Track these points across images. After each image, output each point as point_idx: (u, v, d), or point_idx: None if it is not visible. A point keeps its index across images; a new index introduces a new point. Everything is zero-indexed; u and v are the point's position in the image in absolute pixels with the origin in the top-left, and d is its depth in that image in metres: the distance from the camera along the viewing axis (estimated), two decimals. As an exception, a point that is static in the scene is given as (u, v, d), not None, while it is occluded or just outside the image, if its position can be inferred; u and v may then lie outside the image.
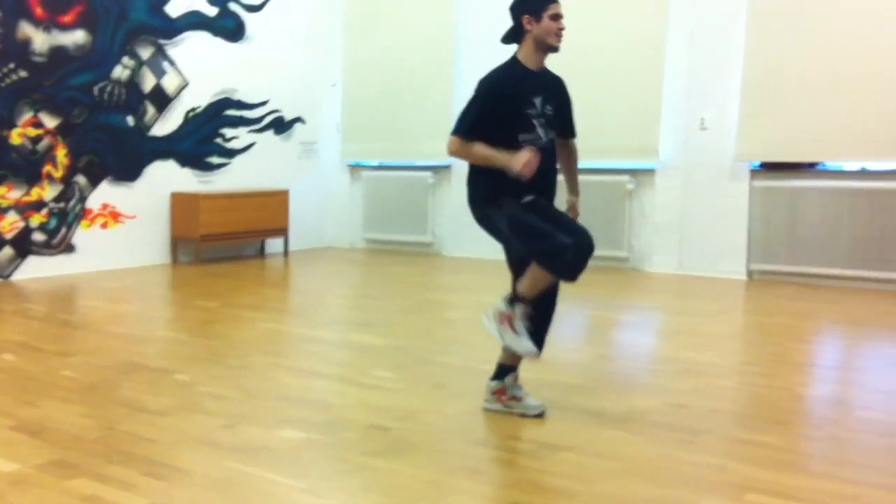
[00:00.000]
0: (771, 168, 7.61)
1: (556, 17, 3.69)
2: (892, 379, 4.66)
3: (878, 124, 7.03)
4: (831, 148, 7.29)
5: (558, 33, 3.71)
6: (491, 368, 3.96)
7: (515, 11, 3.74)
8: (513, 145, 3.64)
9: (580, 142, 4.08)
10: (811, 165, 7.51)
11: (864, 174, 7.30)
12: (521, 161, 3.53)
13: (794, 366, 4.79)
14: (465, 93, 9.62)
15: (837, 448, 3.49)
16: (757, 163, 7.64)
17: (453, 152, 3.79)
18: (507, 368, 3.91)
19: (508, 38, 3.82)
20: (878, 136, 7.05)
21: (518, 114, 3.71)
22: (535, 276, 3.67)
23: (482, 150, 3.70)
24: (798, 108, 7.32)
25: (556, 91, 3.87)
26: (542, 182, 3.75)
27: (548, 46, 3.73)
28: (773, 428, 3.20)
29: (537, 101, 3.73)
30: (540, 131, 3.74)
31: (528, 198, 3.66)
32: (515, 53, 3.79)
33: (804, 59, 7.35)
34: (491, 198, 3.76)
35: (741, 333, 5.95)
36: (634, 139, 8.17)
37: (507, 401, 3.87)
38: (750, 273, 7.70)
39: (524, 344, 3.67)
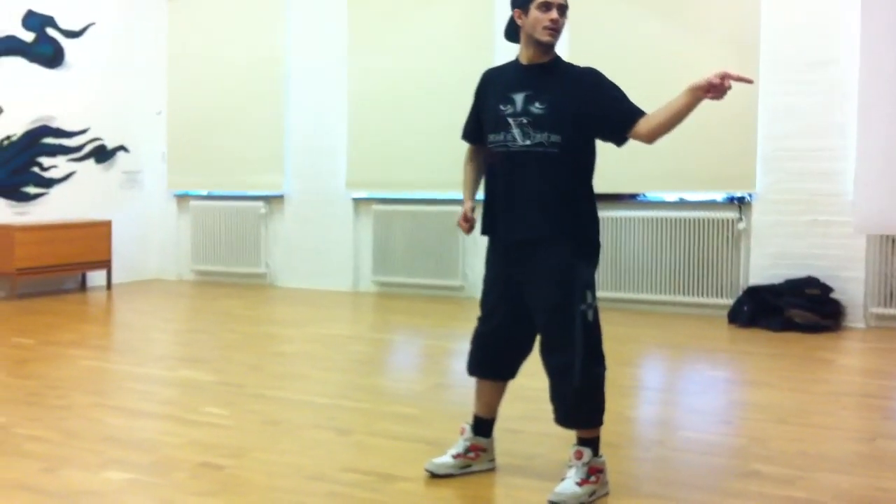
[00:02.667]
0: (597, 199, 7.86)
1: (546, 6, 3.18)
2: (711, 399, 4.88)
3: (696, 158, 7.37)
4: (651, 180, 7.62)
5: (549, 26, 3.19)
6: (325, 402, 3.90)
7: (510, 6, 3.30)
8: (490, 149, 3.34)
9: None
10: (632, 196, 7.83)
11: (682, 204, 7.66)
12: (459, 217, 3.40)
13: (620, 388, 4.94)
14: (296, 121, 9.63)
15: (664, 468, 3.62)
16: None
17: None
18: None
19: (508, 34, 3.37)
20: (695, 168, 7.41)
21: (491, 111, 3.31)
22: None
23: (464, 174, 3.56)
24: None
25: (557, 87, 3.24)
26: (505, 211, 3.30)
27: (536, 42, 3.23)
28: (604, 450, 3.29)
29: (518, 97, 3.23)
30: (515, 132, 3.21)
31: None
32: None
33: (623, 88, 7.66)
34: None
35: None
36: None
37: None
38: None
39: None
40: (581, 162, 3.30)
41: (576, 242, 3.24)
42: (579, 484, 3.15)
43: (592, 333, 3.20)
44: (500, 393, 3.52)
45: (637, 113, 3.24)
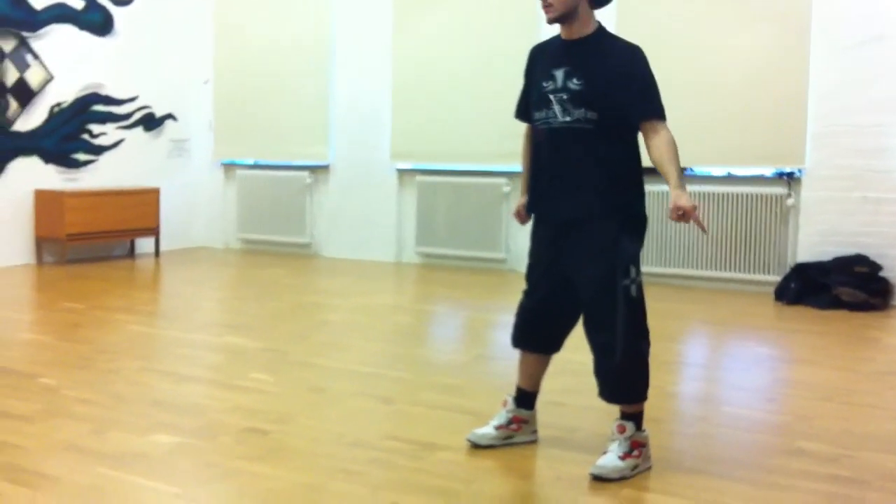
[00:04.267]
0: (644, 172, 7.81)
1: None
2: (756, 376, 4.85)
3: (743, 132, 7.30)
4: (699, 154, 7.54)
5: (542, 6, 3.20)
6: (368, 371, 3.93)
7: None
8: (535, 126, 3.34)
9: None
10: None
11: (729, 179, 7.57)
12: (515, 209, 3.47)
13: (664, 364, 4.92)
14: (341, 92, 9.63)
15: (707, 444, 3.61)
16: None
17: None
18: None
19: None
20: (743, 143, 7.32)
21: (536, 87, 3.29)
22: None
23: (523, 161, 3.52)
24: (668, 116, 7.54)
25: (594, 63, 3.19)
26: (550, 189, 3.32)
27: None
28: (646, 425, 3.29)
29: (558, 73, 3.20)
30: (556, 108, 3.19)
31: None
32: None
33: (669, 67, 7.57)
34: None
35: (613, 333, 6.08)
36: (511, 143, 8.23)
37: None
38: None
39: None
40: (623, 137, 3.24)
41: (620, 217, 3.23)
42: (621, 458, 3.16)
43: (635, 309, 3.18)
44: (543, 366, 3.53)
45: (651, 115, 3.19)
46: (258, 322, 6.08)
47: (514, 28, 8.12)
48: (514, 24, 8.12)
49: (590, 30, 3.24)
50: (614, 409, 3.28)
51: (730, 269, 7.48)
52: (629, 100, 3.17)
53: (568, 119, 3.18)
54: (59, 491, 2.93)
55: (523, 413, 3.50)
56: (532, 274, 3.44)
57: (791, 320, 6.32)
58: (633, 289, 3.17)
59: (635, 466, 3.18)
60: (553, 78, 3.22)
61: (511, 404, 3.50)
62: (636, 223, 3.29)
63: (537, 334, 3.46)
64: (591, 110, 3.15)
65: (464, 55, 8.49)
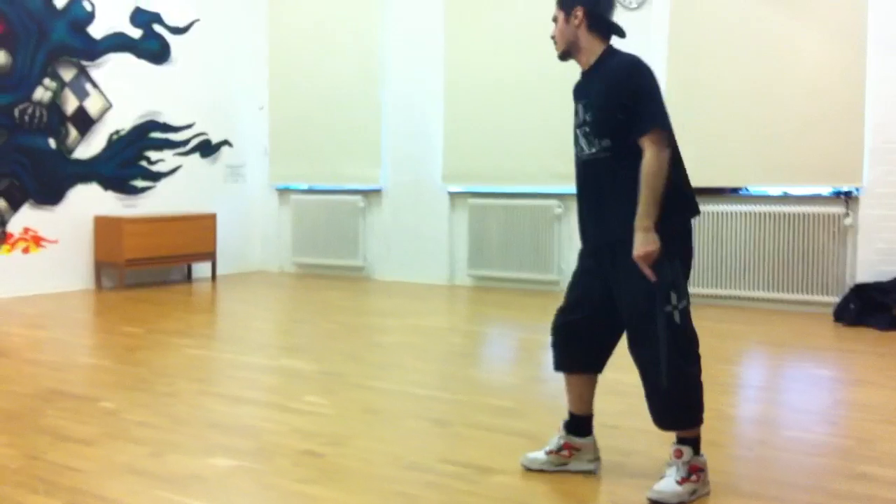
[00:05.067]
0: (696, 193, 7.74)
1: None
2: (816, 398, 4.76)
3: (800, 150, 7.22)
4: (754, 173, 7.47)
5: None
6: (422, 393, 3.93)
7: None
8: None
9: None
10: (734, 190, 7.68)
11: (786, 199, 7.48)
12: None
13: (721, 386, 4.86)
14: (393, 115, 9.72)
15: (766, 468, 3.55)
16: (682, 187, 7.78)
17: None
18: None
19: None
20: (800, 161, 7.24)
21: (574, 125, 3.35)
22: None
23: None
24: (721, 133, 7.49)
25: (596, 91, 3.21)
26: (584, 219, 3.35)
27: None
28: (704, 449, 3.24)
29: (579, 107, 3.27)
30: (583, 142, 3.24)
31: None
32: None
33: (726, 84, 7.52)
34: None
35: (669, 355, 6.02)
36: (562, 164, 8.22)
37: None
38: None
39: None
40: (640, 156, 3.11)
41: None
42: (679, 482, 3.12)
43: (681, 335, 3.12)
44: (590, 387, 3.46)
45: (639, 133, 3.08)
46: (313, 344, 6.12)
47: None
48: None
49: (595, 57, 3.26)
50: (670, 433, 3.25)
51: (787, 290, 7.37)
52: (628, 121, 3.11)
53: (593, 150, 3.20)
54: (119, 513, 2.97)
55: (575, 440, 3.44)
56: (573, 291, 3.42)
57: (851, 341, 6.21)
58: (677, 315, 3.10)
59: (693, 491, 3.14)
60: (577, 112, 3.28)
61: (562, 429, 3.47)
62: (674, 244, 3.13)
63: (579, 354, 3.41)
64: (605, 139, 3.16)
65: (515, 78, 8.52)
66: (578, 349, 3.40)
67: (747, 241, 7.53)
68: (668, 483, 3.12)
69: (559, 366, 3.47)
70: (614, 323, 3.30)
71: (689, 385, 3.17)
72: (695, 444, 3.21)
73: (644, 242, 3.04)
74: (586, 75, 3.30)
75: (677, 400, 3.17)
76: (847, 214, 7.11)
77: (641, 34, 7.88)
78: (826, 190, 7.28)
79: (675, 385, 3.12)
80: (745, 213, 7.53)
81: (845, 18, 7.07)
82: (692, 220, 3.29)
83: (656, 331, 3.09)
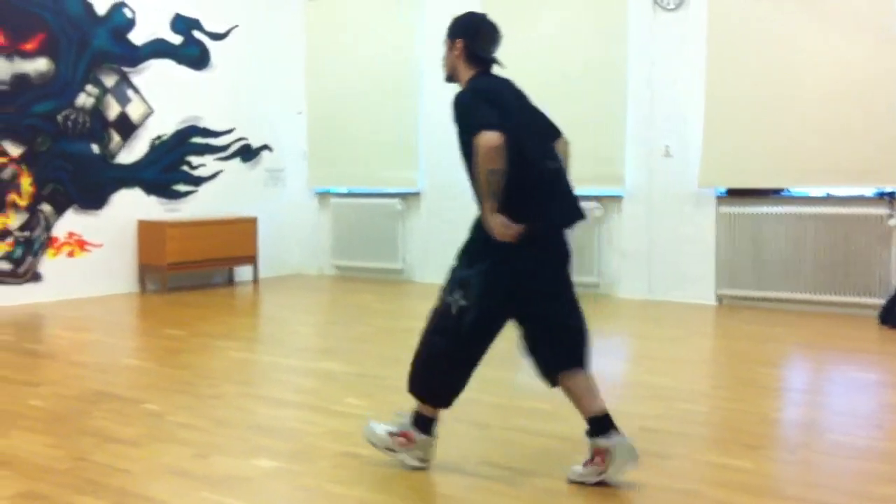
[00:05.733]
0: (736, 195, 7.70)
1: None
2: (860, 402, 4.71)
3: (842, 150, 7.14)
4: (796, 174, 7.39)
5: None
6: (462, 396, 3.93)
7: None
8: None
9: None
10: (776, 192, 7.61)
11: (828, 200, 7.40)
12: None
13: (764, 389, 4.83)
14: (429, 118, 9.72)
15: (809, 471, 3.52)
16: (723, 189, 7.74)
17: None
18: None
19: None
20: (842, 162, 7.15)
21: None
22: None
23: None
24: (761, 135, 7.42)
25: None
26: None
27: None
28: (745, 452, 3.23)
29: None
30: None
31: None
32: None
33: (766, 85, 7.46)
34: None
35: (710, 358, 5.99)
36: (600, 167, 8.21)
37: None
38: (719, 298, 7.76)
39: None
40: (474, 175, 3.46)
41: (467, 243, 3.71)
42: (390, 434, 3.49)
43: (450, 323, 3.48)
44: (581, 386, 3.48)
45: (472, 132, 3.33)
46: (352, 347, 6.15)
47: (599, 50, 8.11)
48: (599, 47, 8.12)
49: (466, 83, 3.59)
50: (712, 435, 3.23)
51: (830, 293, 7.28)
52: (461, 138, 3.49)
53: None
54: (164, 513, 3.01)
55: (600, 443, 3.35)
56: None
57: (896, 344, 6.13)
58: (454, 308, 3.49)
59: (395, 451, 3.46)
60: None
61: (587, 437, 3.41)
62: (485, 245, 3.52)
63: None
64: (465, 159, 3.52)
65: (548, 79, 8.48)
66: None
67: (789, 243, 7.45)
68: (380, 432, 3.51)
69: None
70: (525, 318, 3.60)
71: (434, 365, 3.50)
72: (423, 420, 3.48)
73: (490, 224, 3.45)
74: None
75: (420, 371, 3.52)
76: (891, 215, 7.01)
77: (679, 35, 7.85)
78: (869, 191, 7.19)
79: (421, 356, 3.53)
80: (787, 215, 7.45)
81: (885, 20, 6.97)
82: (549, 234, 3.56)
83: (434, 312, 3.58)
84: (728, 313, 7.30)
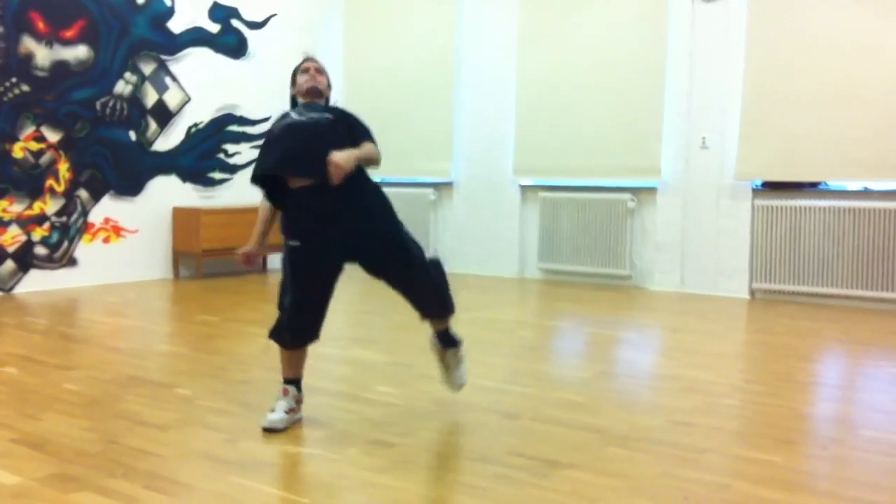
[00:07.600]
0: (773, 187, 7.62)
1: (304, 71, 4.32)
2: (895, 398, 4.65)
3: (881, 144, 7.04)
4: (834, 167, 7.30)
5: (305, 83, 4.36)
6: (492, 385, 3.94)
7: None
8: None
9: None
10: (813, 185, 7.52)
11: (866, 194, 7.30)
12: None
13: (798, 384, 4.78)
14: (465, 108, 9.71)
15: (842, 467, 3.48)
16: (759, 182, 7.66)
17: None
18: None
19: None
20: (881, 156, 7.06)
21: None
22: None
23: None
24: (799, 128, 7.35)
25: None
26: None
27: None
28: (778, 447, 3.19)
29: None
30: None
31: None
32: None
33: (804, 77, 7.37)
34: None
35: (744, 352, 5.93)
36: (636, 158, 8.17)
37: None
38: (752, 292, 7.70)
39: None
40: None
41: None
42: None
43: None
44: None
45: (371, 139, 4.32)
46: (383, 335, 6.17)
47: (638, 46, 8.06)
48: (637, 42, 8.06)
49: None
50: (745, 430, 3.19)
51: (867, 288, 7.20)
52: None
53: None
54: (192, 498, 3.03)
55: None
56: None
57: (934, 340, 6.04)
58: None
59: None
60: None
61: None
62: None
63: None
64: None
65: (587, 71, 8.45)
66: None
67: (826, 237, 7.37)
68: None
69: None
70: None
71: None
72: (451, 335, 4.37)
73: None
74: None
75: (448, 291, 4.35)
76: (931, 210, 6.91)
77: (719, 27, 7.77)
78: (909, 185, 7.10)
79: (444, 278, 4.44)
80: (825, 209, 7.37)
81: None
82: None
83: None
84: (762, 307, 7.24)
